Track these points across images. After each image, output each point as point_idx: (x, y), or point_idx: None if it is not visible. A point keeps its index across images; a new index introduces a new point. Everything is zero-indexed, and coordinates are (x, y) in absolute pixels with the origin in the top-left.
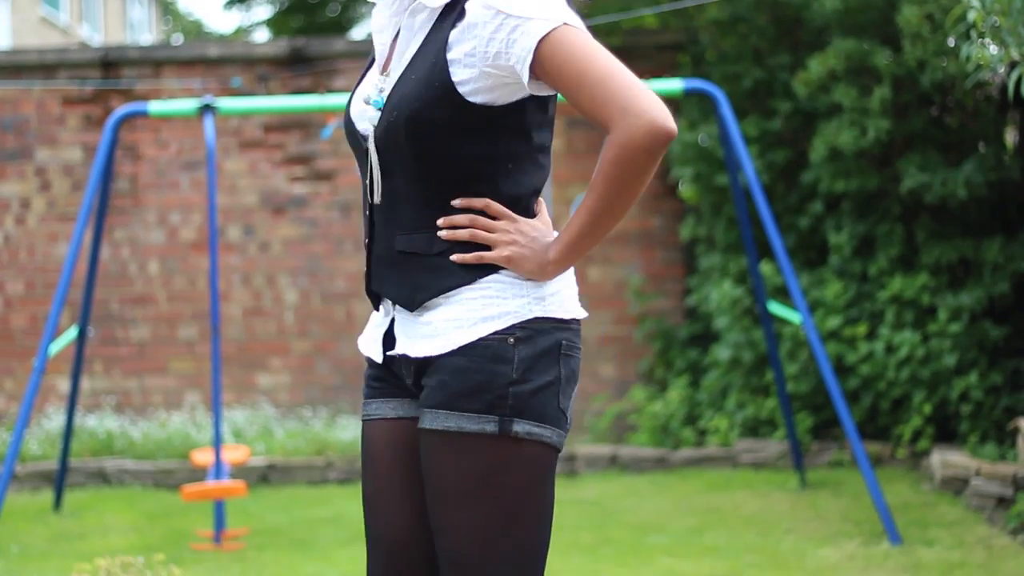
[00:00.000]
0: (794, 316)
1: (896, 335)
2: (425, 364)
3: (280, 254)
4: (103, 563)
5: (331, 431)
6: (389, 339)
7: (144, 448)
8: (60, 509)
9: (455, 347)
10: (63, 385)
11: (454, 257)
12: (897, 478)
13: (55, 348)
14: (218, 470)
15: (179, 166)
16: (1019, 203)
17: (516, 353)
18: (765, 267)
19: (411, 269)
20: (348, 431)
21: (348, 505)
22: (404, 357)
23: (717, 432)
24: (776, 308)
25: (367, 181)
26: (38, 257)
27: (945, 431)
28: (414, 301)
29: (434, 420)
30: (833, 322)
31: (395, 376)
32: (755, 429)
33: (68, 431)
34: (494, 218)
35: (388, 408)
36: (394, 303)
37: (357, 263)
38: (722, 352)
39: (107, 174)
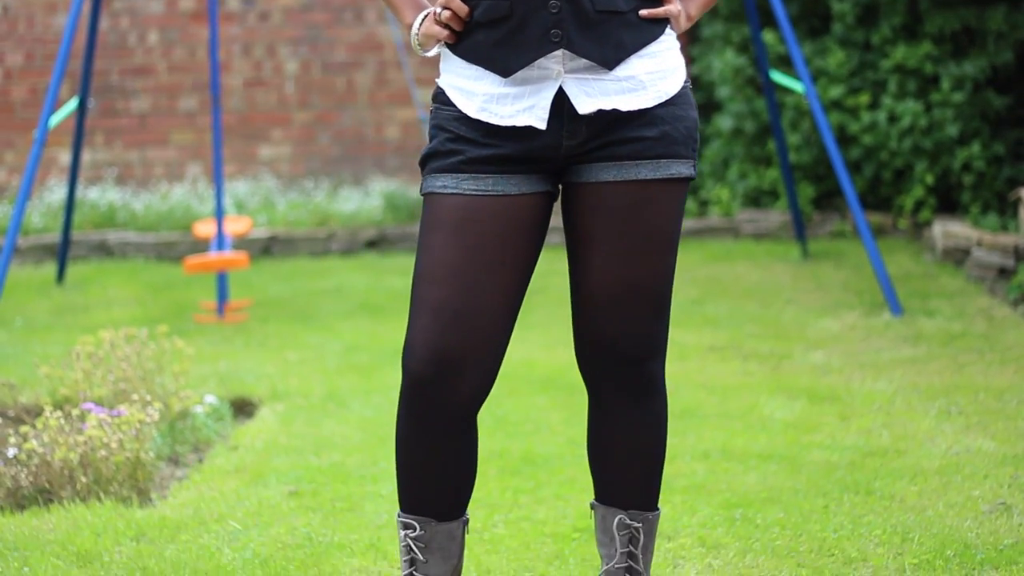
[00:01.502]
0: (797, 85)
1: (898, 105)
2: (618, 120)
3: (280, 24)
4: (106, 335)
5: (333, 203)
6: (557, 104)
7: (146, 220)
8: (63, 282)
9: (667, 97)
10: (64, 157)
11: (643, 13)
12: (898, 249)
13: (55, 120)
14: (220, 242)
15: None
16: None
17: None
18: (768, 36)
19: (611, 27)
20: (350, 203)
21: (350, 277)
22: (601, 113)
23: (719, 203)
24: (779, 77)
25: None
26: (37, 27)
27: (947, 201)
28: (615, 58)
29: (656, 170)
30: (835, 92)
31: (523, 149)
32: (757, 199)
33: (70, 204)
34: None
35: (510, 185)
36: (595, 62)
37: (358, 33)
38: (724, 122)
39: None
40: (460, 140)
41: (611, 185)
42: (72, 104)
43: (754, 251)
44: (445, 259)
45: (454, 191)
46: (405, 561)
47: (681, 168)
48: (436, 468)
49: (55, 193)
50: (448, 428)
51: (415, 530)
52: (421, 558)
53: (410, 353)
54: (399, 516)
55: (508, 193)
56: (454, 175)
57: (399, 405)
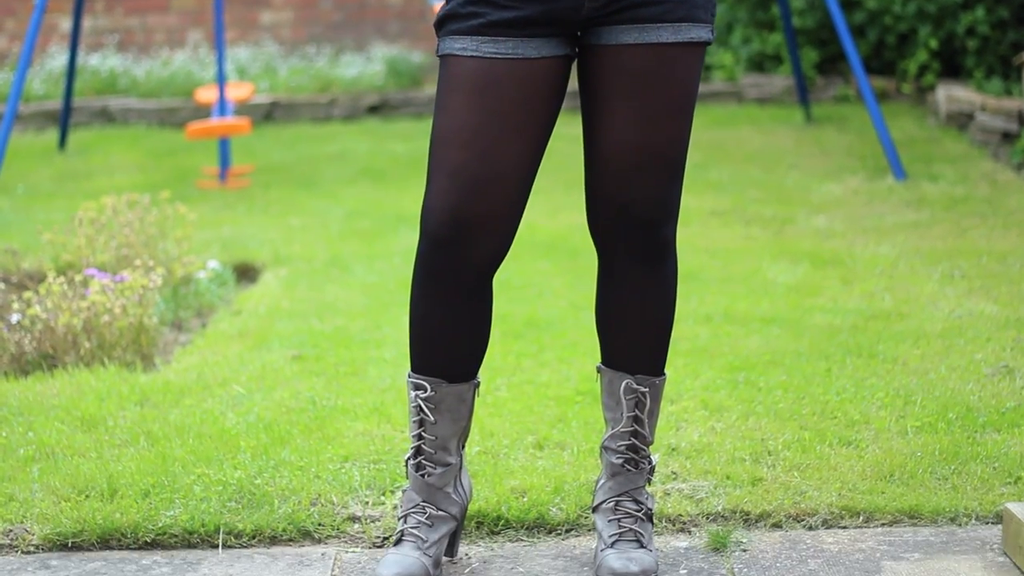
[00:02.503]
0: None
1: None
2: None
3: None
4: (109, 201)
5: (335, 68)
6: None
7: (148, 87)
8: (65, 149)
9: None
10: (65, 24)
11: None
12: (902, 113)
13: None
14: (222, 107)
15: None
16: None
17: None
18: None
19: None
20: (352, 68)
21: (352, 142)
22: None
23: (723, 67)
24: None
25: None
26: None
27: (951, 66)
28: None
29: (676, 33)
30: None
31: (544, 11)
32: (760, 64)
33: (71, 70)
34: None
35: (530, 48)
36: None
37: None
38: None
39: None
40: (480, 2)
41: (631, 48)
42: None
43: (758, 116)
44: (465, 123)
45: (474, 54)
46: (414, 422)
47: (701, 32)
48: (450, 329)
49: (56, 60)
50: (464, 290)
51: (426, 391)
52: (431, 419)
53: (429, 215)
54: (409, 376)
55: (528, 56)
56: (473, 38)
57: (415, 266)
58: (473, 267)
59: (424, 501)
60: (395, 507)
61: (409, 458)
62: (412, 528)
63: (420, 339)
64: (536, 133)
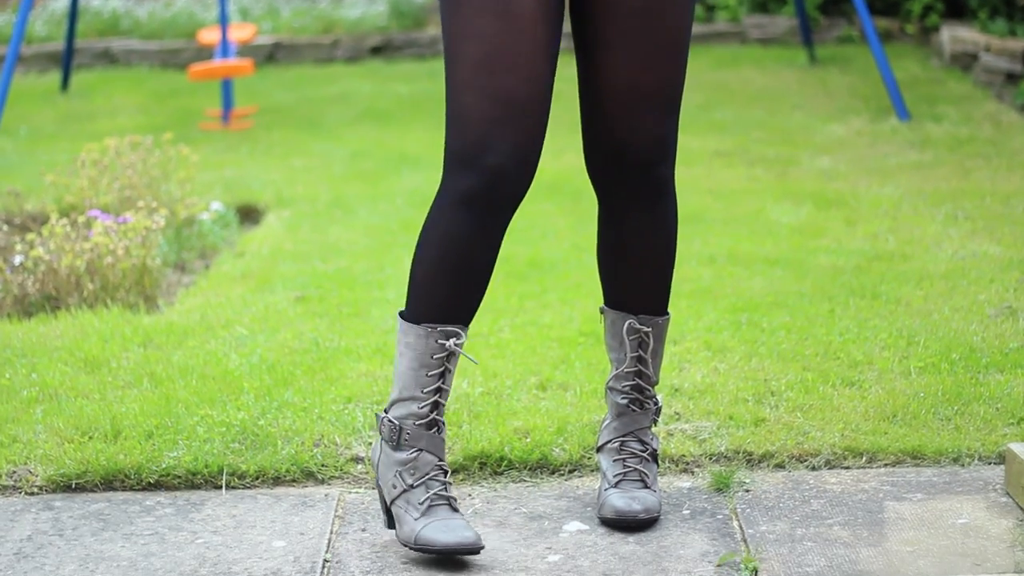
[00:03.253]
0: None
1: None
2: None
3: None
4: (112, 143)
5: (338, 9)
6: None
7: (150, 28)
8: (67, 90)
9: None
10: None
11: None
12: (906, 54)
13: None
14: (224, 48)
15: None
16: None
17: None
18: None
19: None
20: (355, 9)
21: (355, 84)
22: None
23: (726, 7)
24: None
25: None
26: None
27: (955, 6)
28: None
29: None
30: None
31: None
32: (764, 4)
33: (73, 11)
34: None
35: None
36: None
37: None
38: None
39: None
40: None
41: None
42: None
43: (761, 56)
44: (501, 44)
45: None
46: (432, 375)
47: None
48: (488, 270)
49: (58, 1)
50: (507, 224)
51: (460, 337)
52: (452, 369)
53: (484, 146)
54: (433, 328)
55: None
56: None
57: (456, 205)
58: (521, 198)
59: (440, 460)
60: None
61: (417, 420)
62: (441, 491)
63: (461, 283)
64: (554, 51)
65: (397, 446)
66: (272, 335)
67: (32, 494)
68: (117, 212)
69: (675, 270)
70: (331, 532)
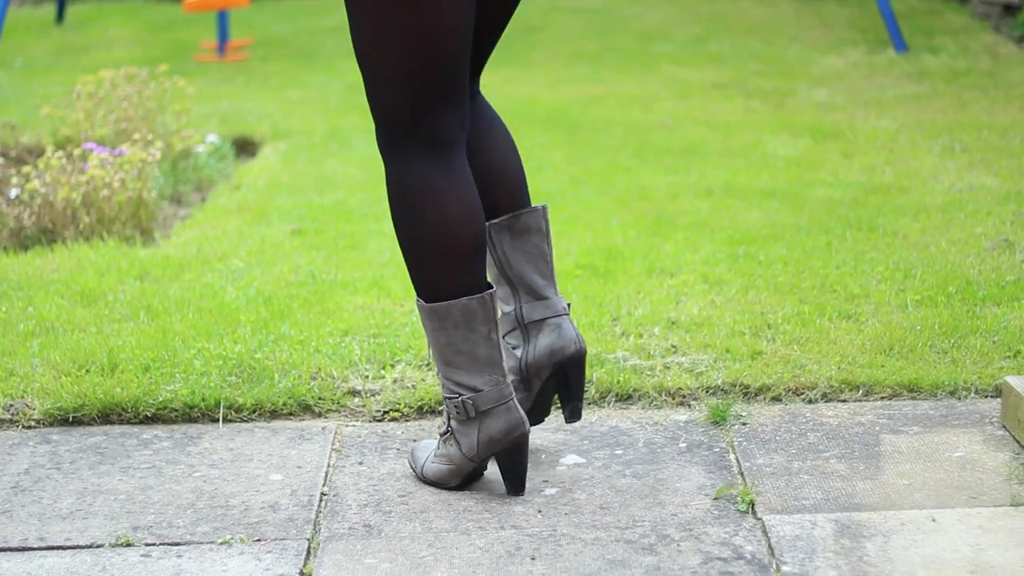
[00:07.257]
0: None
1: None
2: None
3: None
4: (107, 75)
5: None
6: None
7: None
8: (62, 22)
9: None
10: None
11: None
12: None
13: None
14: None
15: None
16: None
17: None
18: None
19: None
20: None
21: None
22: None
23: None
24: None
25: None
26: None
27: None
28: None
29: None
30: None
31: None
32: None
33: None
34: None
35: None
36: None
37: None
38: None
39: None
40: None
41: None
42: None
43: None
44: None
45: None
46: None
47: None
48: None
49: None
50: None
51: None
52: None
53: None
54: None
55: None
56: None
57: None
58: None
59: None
60: (395, 381)
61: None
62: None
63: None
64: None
65: None
66: (268, 268)
67: (29, 427)
68: (113, 145)
69: (672, 202)
70: (328, 465)
